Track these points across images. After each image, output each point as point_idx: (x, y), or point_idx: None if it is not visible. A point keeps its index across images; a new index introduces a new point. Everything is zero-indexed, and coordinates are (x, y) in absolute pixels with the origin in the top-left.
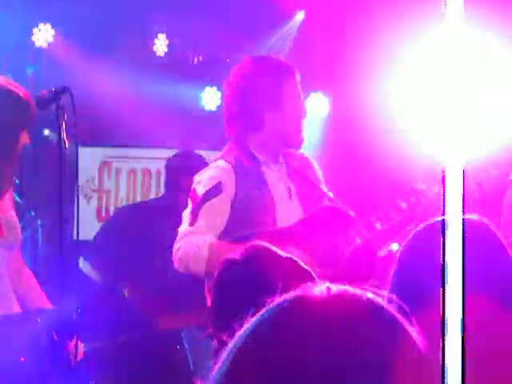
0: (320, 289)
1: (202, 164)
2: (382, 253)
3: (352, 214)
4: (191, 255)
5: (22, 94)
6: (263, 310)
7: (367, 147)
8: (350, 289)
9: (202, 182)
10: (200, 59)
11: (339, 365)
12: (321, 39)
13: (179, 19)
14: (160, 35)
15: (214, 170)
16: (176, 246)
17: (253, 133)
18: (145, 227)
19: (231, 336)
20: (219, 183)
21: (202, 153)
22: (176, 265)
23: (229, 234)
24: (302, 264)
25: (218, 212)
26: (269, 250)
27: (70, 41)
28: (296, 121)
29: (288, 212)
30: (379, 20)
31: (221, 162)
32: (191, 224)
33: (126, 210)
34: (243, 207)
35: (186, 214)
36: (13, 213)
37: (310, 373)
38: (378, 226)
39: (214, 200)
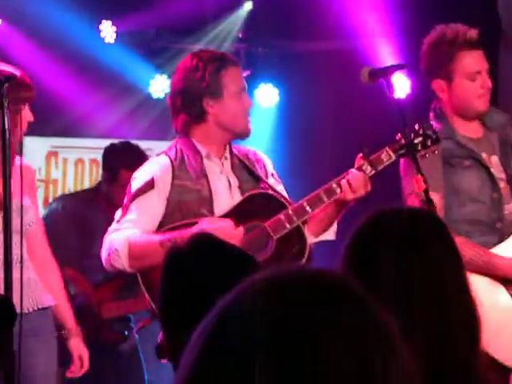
0: (293, 269)
1: (139, 154)
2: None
3: (284, 200)
4: (112, 254)
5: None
6: (234, 292)
7: (315, 136)
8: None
9: (136, 178)
10: (149, 46)
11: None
12: (269, 29)
13: (126, 7)
14: (104, 21)
15: (150, 166)
16: (103, 246)
17: (196, 124)
18: (79, 216)
19: (185, 323)
20: (151, 179)
21: (151, 143)
22: (104, 264)
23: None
24: (245, 251)
25: (148, 208)
26: (214, 238)
27: (16, 29)
28: (239, 109)
29: (226, 204)
30: (329, 11)
31: (160, 157)
32: (118, 221)
33: (62, 200)
34: (180, 200)
35: (118, 211)
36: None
37: (288, 351)
38: (308, 208)
39: (144, 196)
